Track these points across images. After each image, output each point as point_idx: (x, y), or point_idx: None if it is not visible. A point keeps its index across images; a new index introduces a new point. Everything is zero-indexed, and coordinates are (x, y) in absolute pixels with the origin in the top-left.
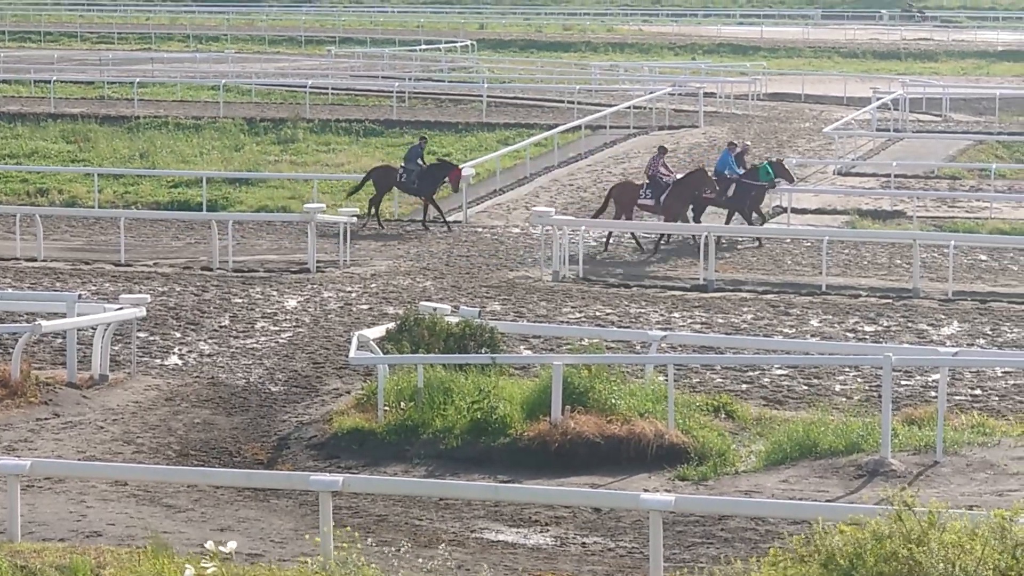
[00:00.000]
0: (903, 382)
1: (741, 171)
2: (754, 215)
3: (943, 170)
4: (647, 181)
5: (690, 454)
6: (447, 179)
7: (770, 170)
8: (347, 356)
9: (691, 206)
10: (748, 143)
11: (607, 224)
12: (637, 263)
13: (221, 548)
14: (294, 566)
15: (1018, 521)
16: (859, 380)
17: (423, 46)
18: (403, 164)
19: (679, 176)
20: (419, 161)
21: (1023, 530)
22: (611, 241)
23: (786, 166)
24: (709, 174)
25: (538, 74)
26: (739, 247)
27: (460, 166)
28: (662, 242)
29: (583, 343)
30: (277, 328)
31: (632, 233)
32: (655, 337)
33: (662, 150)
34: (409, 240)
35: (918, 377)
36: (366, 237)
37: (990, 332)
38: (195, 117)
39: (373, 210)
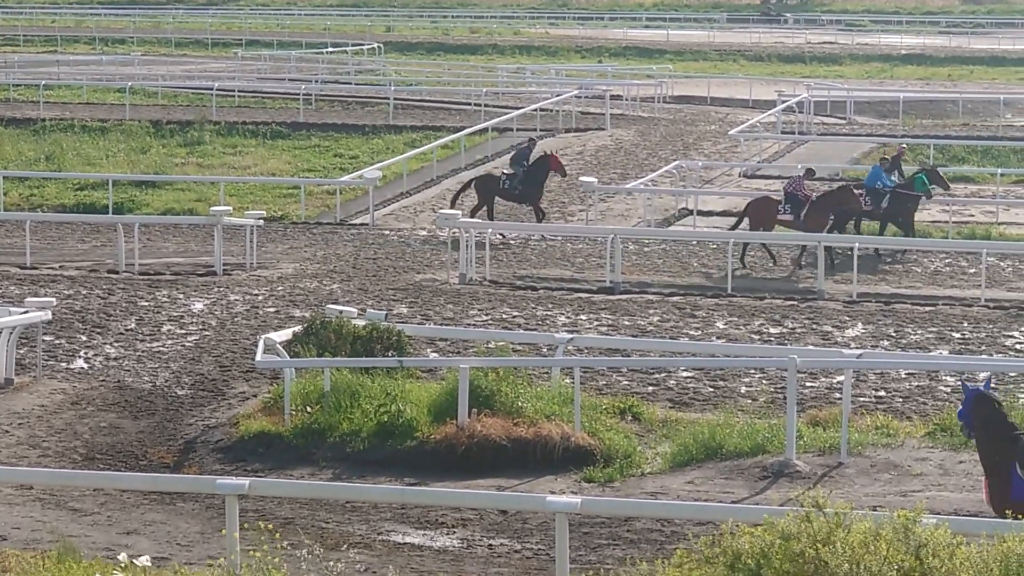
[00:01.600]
0: (808, 384)
1: (893, 182)
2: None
3: (847, 172)
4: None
5: (596, 456)
6: (551, 171)
7: (925, 180)
8: (254, 359)
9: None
10: (904, 145)
11: (510, 226)
12: (540, 264)
13: (135, 560)
14: (201, 569)
15: (921, 522)
16: (764, 382)
17: (330, 49)
18: (504, 171)
19: (823, 192)
20: (525, 164)
21: (926, 531)
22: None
23: (941, 174)
24: (855, 191)
25: (445, 77)
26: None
27: (553, 151)
28: (802, 259)
29: (490, 346)
30: (184, 331)
31: (764, 245)
32: (562, 340)
33: (810, 172)
34: (316, 243)
35: (823, 379)
36: (273, 240)
37: (894, 334)
38: (101, 120)
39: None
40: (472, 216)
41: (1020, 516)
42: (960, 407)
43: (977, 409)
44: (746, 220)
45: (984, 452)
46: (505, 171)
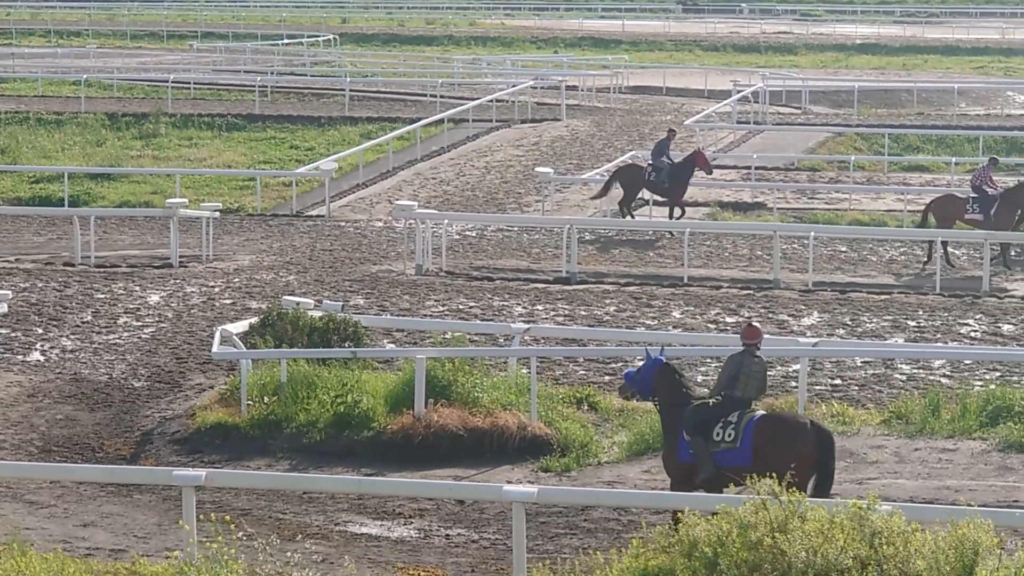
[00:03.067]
0: None
1: None
2: None
3: (803, 162)
4: (973, 195)
5: (553, 446)
6: (697, 168)
7: None
8: (210, 351)
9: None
10: None
11: (465, 217)
12: (496, 255)
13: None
14: (158, 561)
15: (875, 509)
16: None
17: (285, 41)
18: (650, 162)
19: (1011, 186)
20: (665, 157)
21: (881, 519)
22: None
23: None
24: None
25: (401, 68)
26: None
27: (701, 148)
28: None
29: (446, 336)
30: (140, 323)
31: (943, 243)
32: (518, 330)
33: (993, 161)
34: (272, 235)
35: (779, 367)
36: (229, 232)
37: (849, 322)
38: (56, 112)
39: (625, 211)
40: (621, 209)
41: (684, 475)
42: (632, 370)
43: (660, 378)
44: (931, 218)
45: (662, 415)
46: (649, 162)
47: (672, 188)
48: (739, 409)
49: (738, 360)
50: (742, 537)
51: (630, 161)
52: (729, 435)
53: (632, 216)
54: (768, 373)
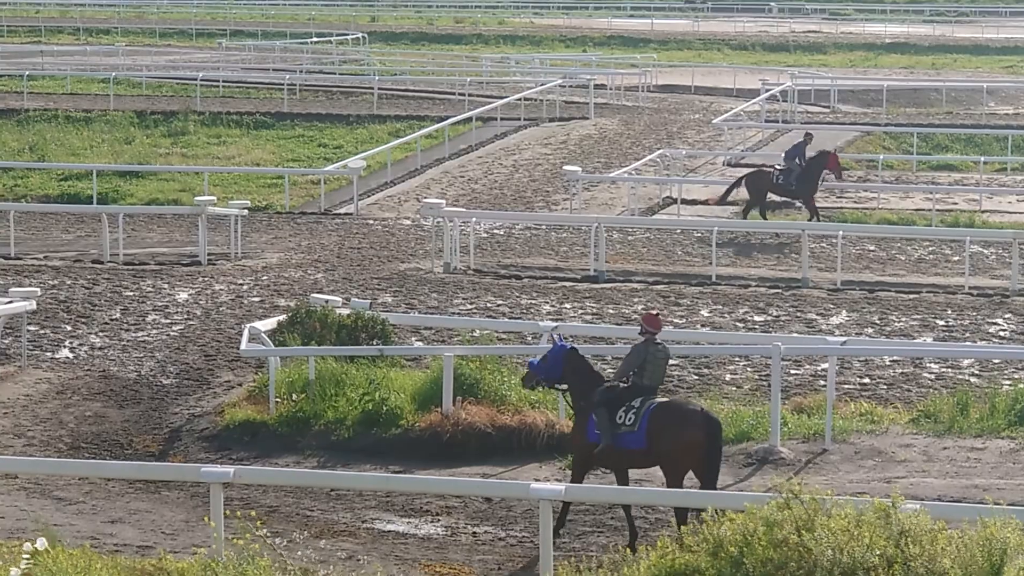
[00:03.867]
0: (792, 371)
1: None
2: None
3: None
4: (780, 167)
5: None
6: (827, 170)
7: None
8: (239, 348)
9: None
10: None
11: (504, 216)
12: (524, 253)
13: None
14: (186, 557)
15: (901, 508)
16: (749, 369)
17: (314, 39)
18: (778, 165)
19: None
20: (798, 160)
21: (908, 517)
22: None
23: None
24: None
25: (429, 66)
26: None
27: (833, 149)
28: None
29: (474, 334)
30: (168, 321)
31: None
32: (546, 328)
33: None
34: (301, 233)
35: (807, 366)
36: (257, 230)
37: (878, 321)
38: (85, 110)
39: (758, 213)
40: (744, 215)
41: (589, 453)
42: (536, 359)
43: (569, 362)
44: None
45: (573, 398)
46: (778, 166)
47: (799, 190)
48: (644, 396)
49: (643, 349)
50: (768, 535)
51: (757, 166)
52: (630, 419)
53: (765, 218)
54: (796, 372)
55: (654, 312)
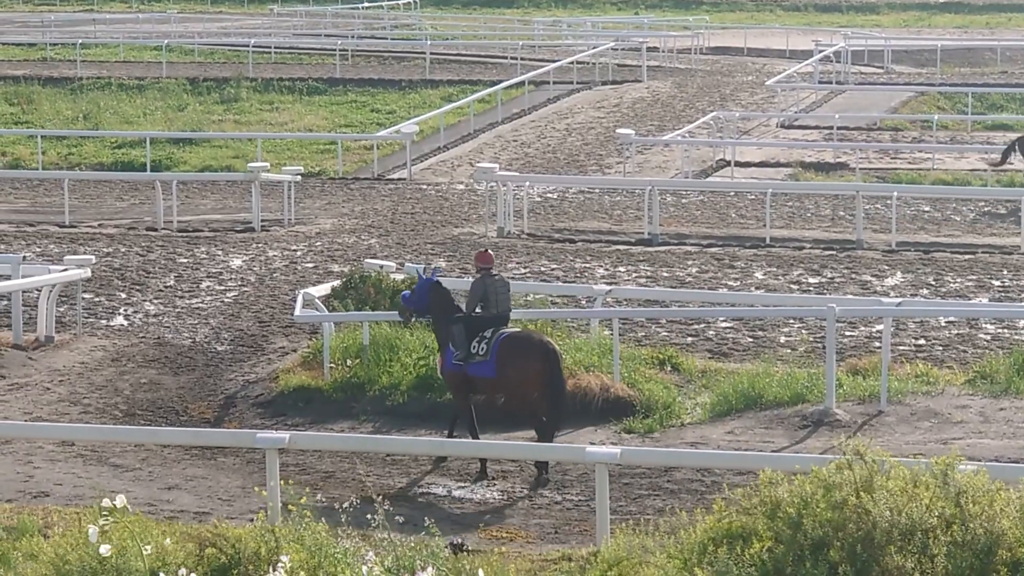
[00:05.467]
0: (847, 333)
1: None
2: None
3: (885, 122)
4: None
5: (636, 407)
6: None
7: None
8: (292, 315)
9: None
10: None
11: (546, 179)
12: (578, 217)
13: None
14: (243, 524)
15: (959, 468)
16: (804, 332)
17: (365, 4)
18: None
19: None
20: None
21: (965, 477)
22: None
23: None
24: None
25: (481, 31)
26: None
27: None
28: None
29: (528, 298)
30: (222, 287)
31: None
32: (600, 291)
33: None
34: (354, 198)
35: (862, 328)
36: (310, 196)
37: (933, 282)
38: (138, 78)
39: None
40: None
41: (454, 380)
42: (407, 292)
43: (432, 295)
44: None
45: (437, 331)
46: None
47: None
48: (495, 326)
49: (480, 283)
50: (826, 497)
51: None
52: (482, 349)
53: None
54: (851, 334)
55: (484, 250)
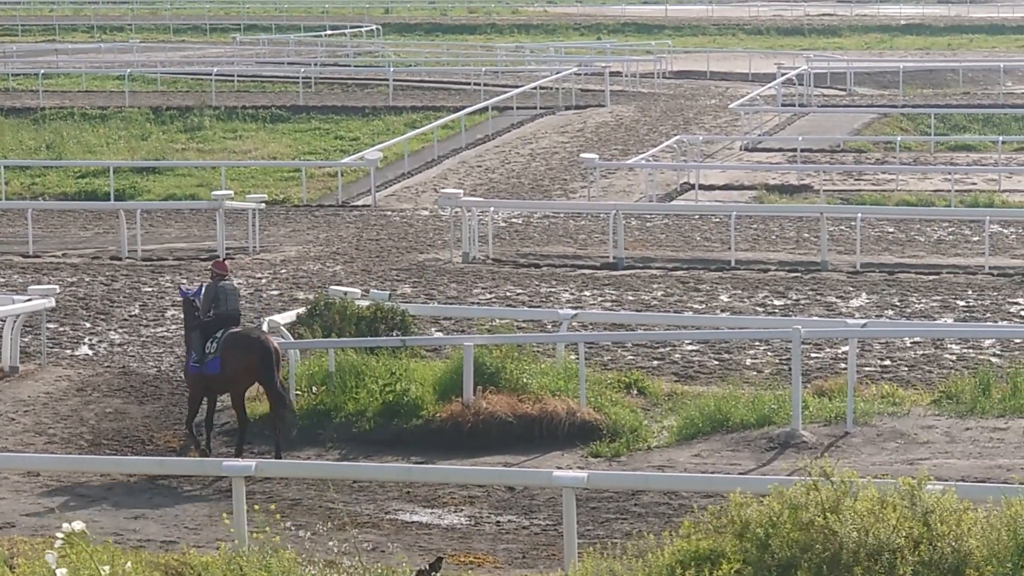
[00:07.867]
0: (813, 355)
1: None
2: None
3: (848, 144)
4: None
5: (603, 431)
6: None
7: None
8: None
9: None
10: None
11: (521, 205)
12: (543, 242)
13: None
14: (209, 551)
15: (927, 488)
16: (769, 354)
17: (328, 31)
18: None
19: None
20: None
21: (932, 497)
22: None
23: None
24: None
25: (444, 57)
26: None
27: None
28: None
29: (494, 323)
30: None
31: None
32: (566, 316)
33: None
34: (318, 225)
35: (828, 349)
36: (275, 223)
37: (898, 303)
38: (101, 107)
39: None
40: None
41: (192, 383)
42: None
43: (184, 308)
44: None
45: (185, 340)
46: None
47: None
48: (226, 326)
49: (213, 287)
50: (793, 518)
51: None
52: (212, 347)
53: None
54: (817, 355)
55: (221, 259)
